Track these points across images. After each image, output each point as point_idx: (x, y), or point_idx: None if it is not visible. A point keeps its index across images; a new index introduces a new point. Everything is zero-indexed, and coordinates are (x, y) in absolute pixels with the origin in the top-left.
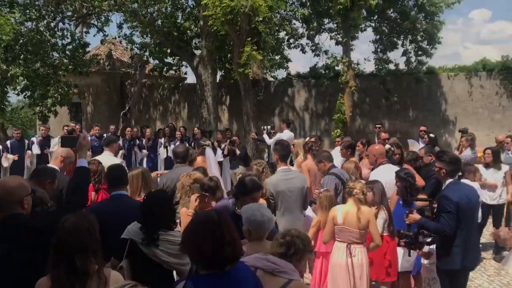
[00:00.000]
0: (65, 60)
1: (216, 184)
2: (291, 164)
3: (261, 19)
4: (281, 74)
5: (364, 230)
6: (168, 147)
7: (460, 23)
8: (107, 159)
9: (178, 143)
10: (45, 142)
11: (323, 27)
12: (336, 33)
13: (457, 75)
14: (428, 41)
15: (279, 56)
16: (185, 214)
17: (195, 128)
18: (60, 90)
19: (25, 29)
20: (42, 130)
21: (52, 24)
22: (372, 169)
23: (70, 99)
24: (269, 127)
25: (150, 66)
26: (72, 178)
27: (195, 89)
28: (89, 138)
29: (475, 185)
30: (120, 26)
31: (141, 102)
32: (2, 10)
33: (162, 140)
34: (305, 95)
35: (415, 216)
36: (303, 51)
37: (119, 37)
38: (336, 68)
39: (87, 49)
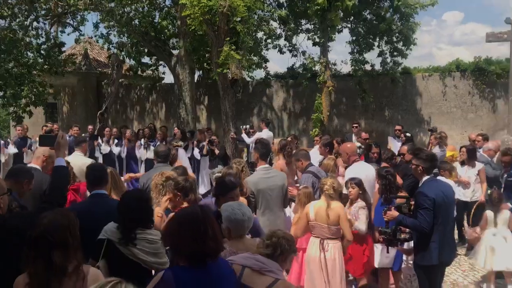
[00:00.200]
0: (39, 60)
1: (191, 185)
2: (270, 163)
3: (239, 19)
4: (259, 74)
5: (335, 225)
6: (147, 148)
7: (434, 24)
8: (77, 159)
9: (158, 143)
10: (22, 143)
11: (300, 28)
12: (313, 33)
13: (431, 75)
14: (403, 42)
15: (257, 56)
16: (155, 214)
17: (175, 128)
18: (34, 90)
19: None
20: (19, 130)
21: (26, 23)
22: (346, 167)
23: (45, 99)
24: (248, 126)
25: (127, 66)
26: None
27: (172, 89)
28: (68, 138)
29: (451, 182)
30: (96, 26)
31: (118, 102)
32: None
33: (141, 141)
34: (283, 95)
35: (393, 213)
36: (281, 51)
37: (95, 36)
38: (314, 68)
39: (63, 49)
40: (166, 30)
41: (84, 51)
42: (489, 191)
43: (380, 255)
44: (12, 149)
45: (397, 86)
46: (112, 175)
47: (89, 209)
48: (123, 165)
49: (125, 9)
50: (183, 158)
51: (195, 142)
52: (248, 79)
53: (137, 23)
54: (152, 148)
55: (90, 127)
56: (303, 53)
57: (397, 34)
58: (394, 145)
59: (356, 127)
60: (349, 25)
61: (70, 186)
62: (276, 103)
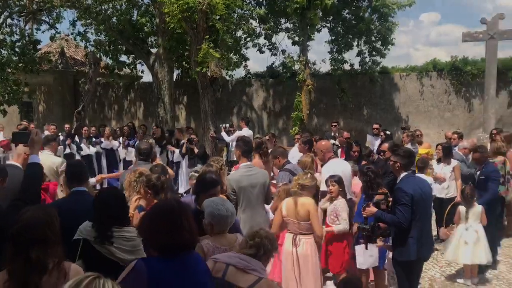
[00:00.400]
0: (14, 58)
1: (162, 184)
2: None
3: (218, 17)
4: (239, 73)
5: (305, 221)
6: (126, 149)
7: (411, 25)
8: (46, 158)
9: (137, 142)
10: None
11: (280, 26)
12: (292, 32)
13: (409, 75)
14: (381, 42)
15: (237, 55)
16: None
17: (154, 127)
18: (8, 88)
19: None
20: None
21: None
22: (322, 165)
23: (20, 98)
24: (227, 125)
25: (104, 64)
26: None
27: (151, 88)
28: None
29: (429, 179)
30: (73, 23)
31: (96, 101)
32: None
33: (120, 140)
34: (263, 94)
35: (372, 209)
36: (260, 50)
37: (72, 34)
38: (293, 68)
39: (38, 47)
40: (144, 28)
41: (61, 49)
42: (462, 187)
43: (363, 256)
44: None
45: (376, 86)
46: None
47: (70, 206)
48: (101, 165)
49: (103, 7)
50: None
51: (171, 145)
52: (228, 78)
53: (115, 21)
54: (130, 149)
55: (66, 126)
56: (283, 52)
57: (375, 34)
58: (372, 142)
59: (335, 126)
60: (328, 25)
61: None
62: (256, 102)
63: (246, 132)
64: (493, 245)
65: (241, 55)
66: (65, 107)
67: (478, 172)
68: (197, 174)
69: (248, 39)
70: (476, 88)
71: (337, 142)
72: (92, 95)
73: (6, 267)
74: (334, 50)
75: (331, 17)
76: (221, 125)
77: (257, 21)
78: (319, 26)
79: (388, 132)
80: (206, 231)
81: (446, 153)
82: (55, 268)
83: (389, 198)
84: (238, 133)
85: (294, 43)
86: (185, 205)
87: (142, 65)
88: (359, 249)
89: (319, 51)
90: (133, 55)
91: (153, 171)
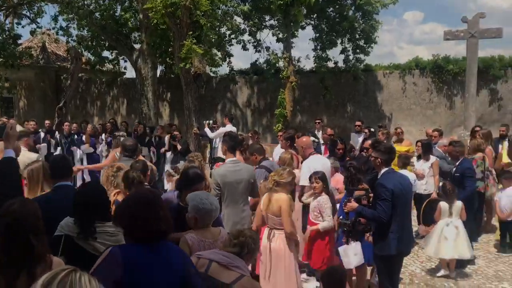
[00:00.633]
0: None
1: (138, 179)
2: None
3: (202, 13)
4: (223, 70)
5: (278, 216)
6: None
7: (395, 24)
8: (22, 153)
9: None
10: None
11: (264, 23)
12: (277, 29)
13: (392, 73)
14: (365, 40)
15: (220, 51)
16: None
17: (136, 123)
18: None
19: None
20: None
21: None
22: (302, 161)
23: (0, 93)
24: (211, 121)
25: (86, 59)
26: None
27: (134, 84)
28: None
29: (411, 175)
30: (55, 18)
31: (78, 97)
32: None
33: (103, 136)
34: (247, 91)
35: (353, 204)
36: (244, 47)
37: (54, 29)
38: (277, 64)
39: (19, 41)
40: (128, 23)
41: (42, 44)
42: (441, 183)
43: (348, 256)
44: None
45: (359, 83)
46: (44, 169)
47: (53, 201)
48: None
49: (85, 1)
50: None
51: (155, 138)
52: (212, 74)
53: (98, 16)
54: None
55: (47, 122)
56: (267, 49)
57: (359, 32)
58: (355, 139)
59: (319, 123)
60: (312, 22)
61: None
62: (240, 99)
63: (229, 128)
64: (471, 240)
65: (225, 51)
66: (46, 103)
67: (454, 169)
68: (173, 172)
69: (232, 35)
70: (458, 87)
71: (316, 139)
72: (74, 91)
73: None
74: (318, 47)
75: (315, 14)
76: (204, 122)
77: (242, 17)
78: (303, 23)
79: (372, 129)
80: (189, 224)
81: (426, 150)
82: (42, 260)
83: (370, 194)
84: (221, 130)
85: (278, 40)
86: (159, 196)
87: (126, 61)
88: (342, 250)
89: (303, 48)
90: (116, 51)
91: (133, 167)
